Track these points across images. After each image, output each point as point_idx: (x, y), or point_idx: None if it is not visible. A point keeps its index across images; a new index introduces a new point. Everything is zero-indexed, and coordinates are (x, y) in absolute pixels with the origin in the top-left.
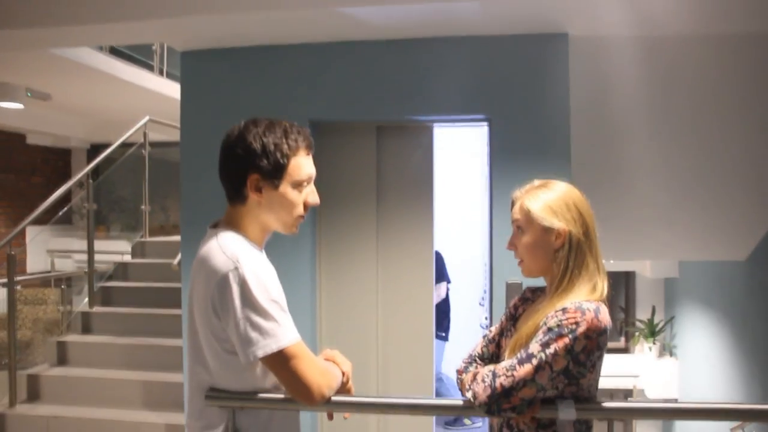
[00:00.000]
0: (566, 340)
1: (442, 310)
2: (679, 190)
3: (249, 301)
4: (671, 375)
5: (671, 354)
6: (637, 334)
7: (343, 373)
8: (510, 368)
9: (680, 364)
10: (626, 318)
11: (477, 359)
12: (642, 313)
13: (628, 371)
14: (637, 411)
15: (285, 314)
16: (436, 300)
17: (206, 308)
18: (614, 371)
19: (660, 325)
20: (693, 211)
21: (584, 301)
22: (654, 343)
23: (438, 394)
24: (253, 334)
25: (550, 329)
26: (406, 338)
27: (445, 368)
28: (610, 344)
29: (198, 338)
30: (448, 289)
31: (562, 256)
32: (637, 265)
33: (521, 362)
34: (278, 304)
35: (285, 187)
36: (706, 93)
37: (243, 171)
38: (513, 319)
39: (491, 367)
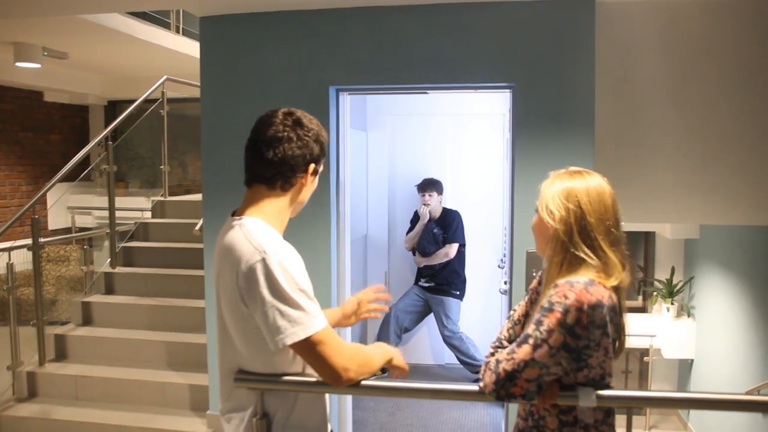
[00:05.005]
0: (557, 314)
1: (453, 270)
2: (703, 154)
3: (277, 291)
4: (688, 336)
5: (689, 315)
6: (655, 294)
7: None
8: (510, 352)
9: (698, 326)
10: (645, 278)
11: (503, 342)
12: (661, 274)
13: (645, 330)
14: (655, 400)
15: (312, 302)
16: (443, 258)
17: (234, 298)
18: (631, 330)
19: (678, 286)
20: (716, 175)
21: (579, 277)
22: (672, 304)
23: (460, 352)
24: (282, 323)
25: (542, 307)
26: None
27: (463, 327)
28: (628, 303)
29: (226, 324)
30: (462, 252)
31: (552, 243)
32: (657, 226)
33: (519, 344)
34: (305, 293)
35: (318, 173)
36: (731, 58)
37: (307, 158)
38: (533, 302)
39: (498, 355)
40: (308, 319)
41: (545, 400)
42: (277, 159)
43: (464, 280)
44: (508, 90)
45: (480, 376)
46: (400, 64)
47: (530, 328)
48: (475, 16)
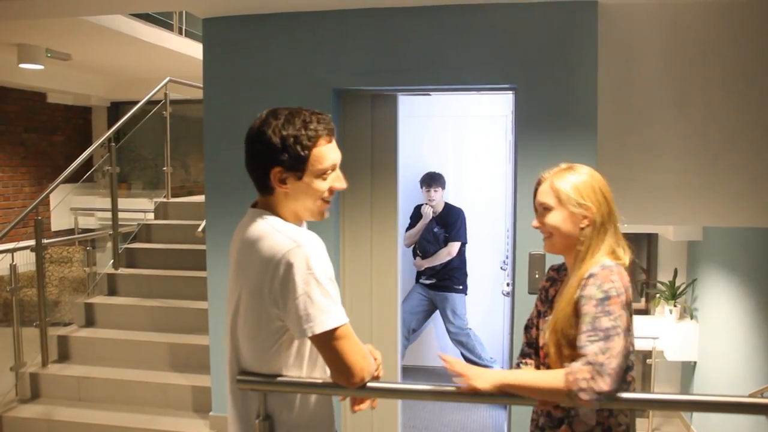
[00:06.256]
0: (616, 298)
1: (455, 266)
2: (706, 156)
3: (312, 278)
4: (691, 338)
5: (692, 317)
6: (657, 296)
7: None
8: (604, 350)
9: (701, 328)
10: (647, 280)
11: (526, 347)
12: (663, 275)
13: (648, 333)
14: (658, 402)
15: (338, 294)
16: (446, 258)
17: (260, 287)
18: (634, 332)
19: (681, 288)
20: (720, 177)
21: (604, 260)
22: (675, 306)
23: (467, 349)
24: (312, 311)
25: (600, 300)
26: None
27: (469, 323)
28: None
29: (238, 324)
30: (463, 250)
31: (586, 235)
32: (660, 227)
33: (606, 339)
34: (334, 284)
35: (309, 178)
36: (735, 59)
37: (265, 165)
38: (549, 301)
39: (578, 364)
40: (336, 310)
41: (548, 402)
42: (248, 169)
43: (466, 274)
44: (510, 91)
45: (567, 386)
46: (403, 66)
47: (604, 321)
48: (477, 18)
